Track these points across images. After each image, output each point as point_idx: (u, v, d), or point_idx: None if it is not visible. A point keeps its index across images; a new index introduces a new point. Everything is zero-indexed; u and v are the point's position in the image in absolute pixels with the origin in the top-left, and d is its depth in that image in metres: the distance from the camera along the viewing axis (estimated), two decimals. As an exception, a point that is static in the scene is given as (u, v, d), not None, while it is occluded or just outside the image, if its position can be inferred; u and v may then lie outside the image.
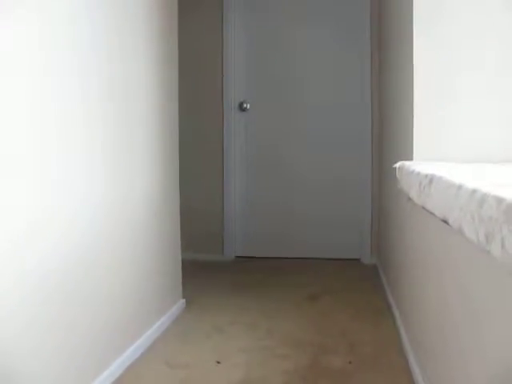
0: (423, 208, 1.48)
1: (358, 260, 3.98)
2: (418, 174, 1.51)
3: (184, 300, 2.86)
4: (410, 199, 1.72)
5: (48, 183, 1.57)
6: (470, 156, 1.97)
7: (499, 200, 0.82)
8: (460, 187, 1.04)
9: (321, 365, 2.12)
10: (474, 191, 0.95)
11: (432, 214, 1.34)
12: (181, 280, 2.85)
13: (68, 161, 1.68)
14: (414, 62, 2.03)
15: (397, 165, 2.01)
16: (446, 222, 1.17)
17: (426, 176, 1.40)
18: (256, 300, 2.98)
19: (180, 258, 2.84)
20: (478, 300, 1.10)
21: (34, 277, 1.49)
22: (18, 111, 1.43)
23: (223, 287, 3.25)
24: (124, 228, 2.11)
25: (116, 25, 2.02)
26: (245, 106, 4.01)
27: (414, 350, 2.01)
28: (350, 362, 2.12)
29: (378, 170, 3.85)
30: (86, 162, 1.79)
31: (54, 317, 1.59)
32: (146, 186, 2.35)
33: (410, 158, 2.05)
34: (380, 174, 3.76)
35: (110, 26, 1.97)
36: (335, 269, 3.72)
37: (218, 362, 2.16)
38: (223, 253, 4.04)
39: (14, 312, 1.41)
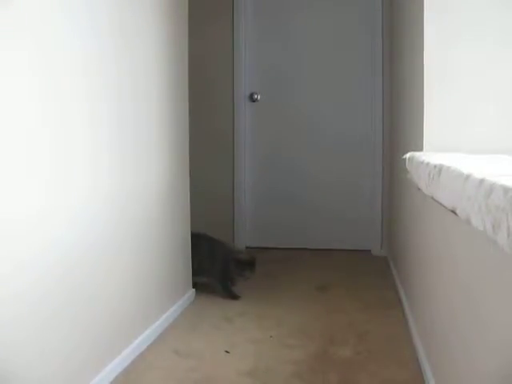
0: (432, 198, 1.47)
1: (368, 251, 3.98)
2: (428, 164, 1.51)
3: (194, 290, 2.87)
4: (419, 190, 1.71)
5: (52, 173, 1.58)
6: (480, 147, 1.95)
7: (506, 189, 0.82)
8: (468, 177, 1.04)
9: (329, 355, 2.13)
10: (482, 181, 0.95)
11: (440, 204, 1.33)
12: (191, 270, 2.86)
13: (72, 148, 1.69)
14: (425, 54, 2.02)
15: (407, 155, 2.01)
16: (454, 212, 1.16)
17: (435, 166, 1.39)
18: (265, 290, 2.99)
19: (190, 248, 2.85)
20: (486, 289, 1.10)
21: (38, 266, 1.51)
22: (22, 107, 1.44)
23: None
24: (134, 218, 2.12)
25: (123, 12, 2.02)
26: (255, 96, 4.01)
27: (423, 341, 2.00)
28: (358, 353, 2.12)
29: (389, 160, 3.83)
30: (92, 150, 1.80)
31: (60, 306, 1.60)
32: (157, 176, 2.36)
33: (420, 149, 2.04)
34: (391, 165, 3.75)
35: (116, 12, 1.98)
36: (345, 260, 3.72)
37: (227, 352, 2.17)
38: (234, 243, 4.05)
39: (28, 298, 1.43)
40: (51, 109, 1.54)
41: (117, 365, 1.94)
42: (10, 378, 1.36)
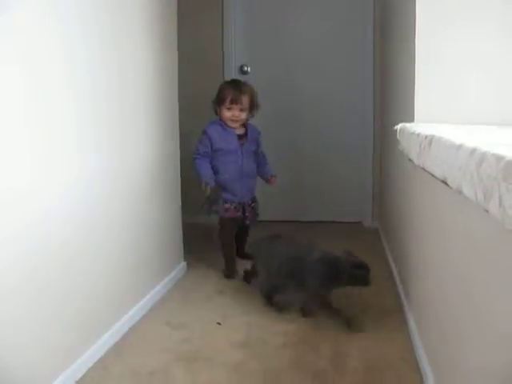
0: (423, 169, 1.47)
1: (359, 223, 3.99)
2: (419, 135, 1.50)
3: (185, 263, 2.87)
4: (410, 161, 1.71)
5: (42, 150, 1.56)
6: (471, 118, 1.95)
7: (498, 158, 0.81)
8: (459, 147, 1.03)
9: (321, 328, 2.14)
10: (474, 150, 0.94)
11: (431, 174, 1.33)
12: (182, 242, 2.86)
13: (58, 124, 1.67)
14: (416, 27, 2.00)
15: (398, 126, 2.00)
16: (445, 182, 1.16)
17: (426, 137, 1.38)
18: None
19: (180, 220, 2.84)
20: (476, 259, 1.10)
21: (28, 241, 1.50)
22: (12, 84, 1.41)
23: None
24: (124, 191, 2.11)
25: None
26: (245, 69, 3.97)
27: (414, 313, 2.02)
28: (349, 326, 2.13)
29: (380, 132, 3.82)
30: (77, 126, 1.77)
31: (53, 280, 1.60)
32: (146, 150, 2.33)
33: (411, 120, 2.03)
34: (382, 136, 3.74)
35: None
36: (336, 232, 3.72)
37: (219, 324, 2.18)
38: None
39: (15, 264, 1.42)
40: (40, 87, 1.51)
41: (109, 337, 1.95)
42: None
